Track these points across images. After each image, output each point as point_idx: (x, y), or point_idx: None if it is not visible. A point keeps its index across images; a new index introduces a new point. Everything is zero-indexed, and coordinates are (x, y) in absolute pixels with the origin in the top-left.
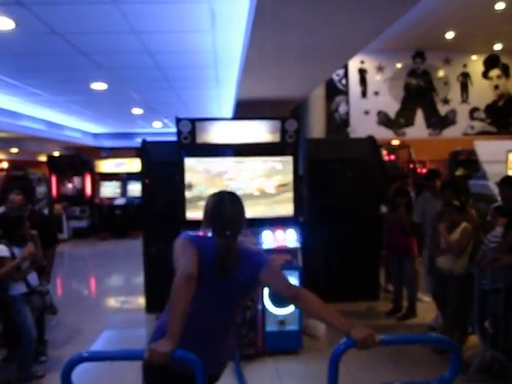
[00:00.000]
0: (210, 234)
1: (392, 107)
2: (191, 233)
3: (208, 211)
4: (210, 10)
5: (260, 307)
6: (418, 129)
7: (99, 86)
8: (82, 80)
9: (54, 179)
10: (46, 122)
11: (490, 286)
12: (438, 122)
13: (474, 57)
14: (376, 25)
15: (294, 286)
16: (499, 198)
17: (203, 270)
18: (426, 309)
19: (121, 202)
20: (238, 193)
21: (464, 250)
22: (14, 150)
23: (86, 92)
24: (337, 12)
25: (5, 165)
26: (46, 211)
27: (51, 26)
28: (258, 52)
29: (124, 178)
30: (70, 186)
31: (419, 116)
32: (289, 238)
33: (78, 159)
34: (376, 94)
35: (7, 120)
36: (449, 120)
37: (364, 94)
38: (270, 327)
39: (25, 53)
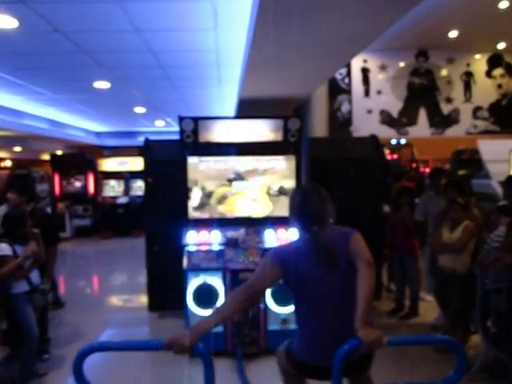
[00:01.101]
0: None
1: (395, 106)
2: (280, 245)
3: (294, 208)
4: (212, 9)
5: (262, 306)
6: (421, 128)
7: (102, 84)
8: (85, 79)
9: (56, 178)
10: (49, 121)
11: (492, 286)
12: (440, 120)
13: (477, 56)
14: (379, 23)
15: (371, 260)
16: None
17: (303, 274)
18: (429, 308)
19: (123, 200)
20: (241, 191)
21: (465, 247)
22: (17, 149)
23: (88, 91)
24: (339, 11)
25: (8, 163)
26: (49, 209)
27: (54, 24)
28: (260, 51)
29: (127, 177)
30: (72, 184)
31: (422, 115)
32: (291, 237)
33: (80, 158)
34: (379, 92)
35: (10, 119)
36: (452, 119)
37: (367, 92)
38: (273, 326)
39: (28, 51)
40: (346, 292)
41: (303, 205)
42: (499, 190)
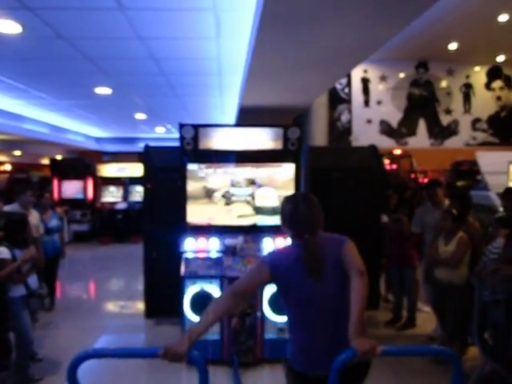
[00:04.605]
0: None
1: (394, 116)
2: (274, 250)
3: (286, 216)
4: (215, 18)
5: (259, 314)
6: (420, 138)
7: (103, 90)
8: (87, 84)
9: (55, 182)
10: (50, 126)
11: (489, 298)
12: (440, 132)
13: (476, 68)
14: (380, 35)
15: (363, 269)
16: (501, 209)
17: (293, 280)
18: (426, 319)
19: (122, 206)
20: (239, 199)
21: (461, 260)
22: (17, 153)
23: (90, 96)
24: (341, 22)
25: (7, 167)
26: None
27: (58, 30)
28: (262, 60)
29: (126, 183)
30: (71, 189)
31: (421, 126)
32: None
33: (80, 163)
34: (379, 103)
35: (11, 123)
36: (451, 130)
37: (367, 103)
38: (270, 335)
39: (31, 57)
40: (336, 302)
41: (295, 212)
42: (498, 202)
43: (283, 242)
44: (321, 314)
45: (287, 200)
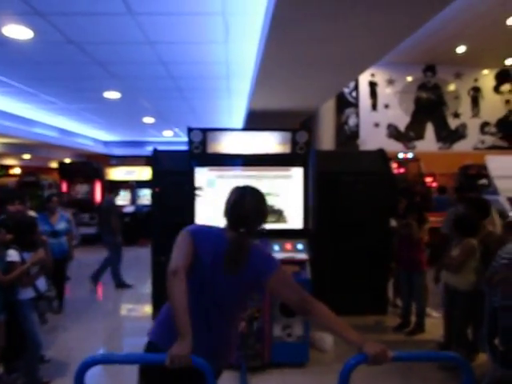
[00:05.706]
0: (222, 226)
1: (402, 120)
2: (198, 224)
3: (228, 203)
4: (223, 23)
5: (267, 319)
6: (428, 142)
7: (112, 94)
8: (96, 89)
9: (64, 186)
10: (59, 130)
11: (499, 303)
12: (448, 135)
13: (485, 71)
14: (389, 39)
15: (305, 298)
16: (511, 214)
17: (205, 261)
18: (435, 324)
19: (130, 209)
20: None
21: (461, 266)
22: (27, 156)
23: (99, 100)
24: (350, 26)
25: (17, 171)
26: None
27: (68, 35)
28: (270, 65)
29: (133, 186)
30: (79, 192)
31: (429, 129)
32: (297, 250)
33: (88, 166)
34: (386, 106)
35: (21, 127)
36: (459, 134)
37: (374, 106)
38: (278, 339)
39: (41, 61)
40: (226, 308)
41: (238, 204)
42: (508, 206)
43: (291, 246)
44: (211, 308)
45: (236, 189)
